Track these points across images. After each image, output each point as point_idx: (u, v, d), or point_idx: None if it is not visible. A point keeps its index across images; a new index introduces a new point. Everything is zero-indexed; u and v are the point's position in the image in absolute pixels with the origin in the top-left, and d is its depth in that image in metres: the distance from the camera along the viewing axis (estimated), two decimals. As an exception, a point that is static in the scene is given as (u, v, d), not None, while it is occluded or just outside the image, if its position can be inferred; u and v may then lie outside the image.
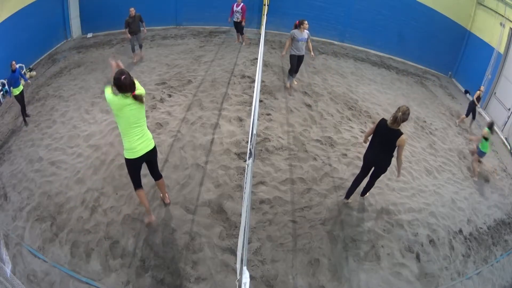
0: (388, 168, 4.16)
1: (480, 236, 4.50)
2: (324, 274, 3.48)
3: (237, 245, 2.97)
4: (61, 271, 3.30)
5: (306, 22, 6.25)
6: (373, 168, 4.10)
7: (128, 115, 3.12)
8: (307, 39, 6.39)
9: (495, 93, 8.18)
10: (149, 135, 3.39)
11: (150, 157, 3.49)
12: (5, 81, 6.91)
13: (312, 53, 6.64)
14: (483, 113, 8.34)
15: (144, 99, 3.17)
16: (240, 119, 5.75)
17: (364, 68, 9.23)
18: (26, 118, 5.82)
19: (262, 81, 7.04)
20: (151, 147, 3.40)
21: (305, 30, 6.31)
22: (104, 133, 5.32)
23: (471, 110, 7.29)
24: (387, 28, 10.23)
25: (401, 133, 3.70)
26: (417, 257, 3.86)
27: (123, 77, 2.95)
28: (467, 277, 3.83)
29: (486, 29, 8.91)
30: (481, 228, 4.64)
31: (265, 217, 4.03)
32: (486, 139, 5.86)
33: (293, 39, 6.34)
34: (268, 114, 6.01)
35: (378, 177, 4.18)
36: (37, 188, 4.33)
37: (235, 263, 3.35)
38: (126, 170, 4.53)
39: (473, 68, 9.30)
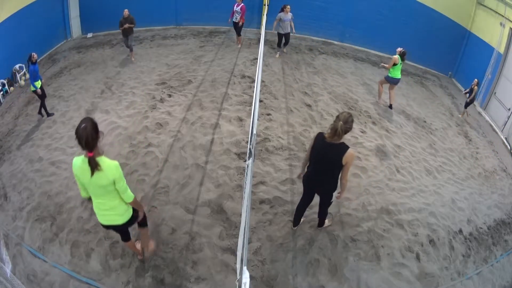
0: (388, 167, 4.13)
1: (480, 236, 4.49)
2: (324, 274, 3.48)
3: (237, 245, 2.97)
4: (61, 271, 3.30)
5: (288, 6, 8.03)
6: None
7: (84, 182, 2.46)
8: (290, 19, 8.14)
9: (495, 93, 8.17)
10: (119, 210, 2.62)
11: (120, 228, 2.82)
12: (5, 81, 6.92)
13: (293, 31, 8.42)
14: (483, 113, 8.34)
15: (108, 175, 2.39)
16: (240, 119, 5.75)
17: (364, 68, 9.23)
18: (49, 117, 5.88)
19: (262, 81, 7.04)
20: (117, 223, 2.68)
21: (289, 13, 8.06)
22: (104, 133, 5.30)
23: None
24: (387, 28, 10.22)
25: (346, 148, 2.97)
26: (417, 257, 3.86)
27: (82, 125, 2.25)
28: (467, 277, 3.82)
29: (486, 29, 8.90)
30: (481, 228, 4.64)
31: (265, 217, 4.03)
32: (395, 64, 6.63)
33: (280, 20, 8.14)
34: (268, 114, 6.01)
35: (326, 204, 3.54)
36: (37, 188, 4.33)
37: (235, 263, 3.35)
38: (126, 171, 4.58)
39: (473, 68, 9.28)
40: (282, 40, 8.59)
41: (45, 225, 3.80)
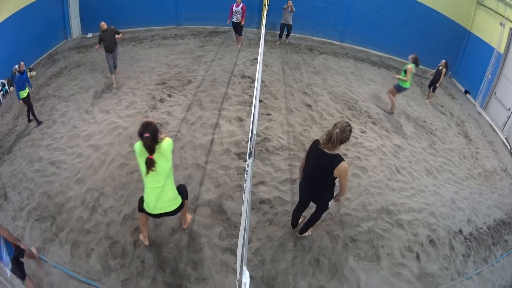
0: (388, 167, 4.10)
1: (480, 236, 4.50)
2: (324, 274, 3.48)
3: (237, 245, 2.97)
4: (61, 271, 3.30)
5: (290, 1, 9.26)
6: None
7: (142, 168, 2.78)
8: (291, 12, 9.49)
9: (495, 93, 8.18)
10: (170, 195, 2.95)
11: (168, 215, 3.11)
12: (5, 81, 6.92)
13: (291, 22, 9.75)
14: (483, 113, 8.34)
15: (166, 155, 2.75)
16: (240, 119, 5.75)
17: (364, 68, 9.23)
18: (39, 125, 5.68)
19: (262, 81, 7.04)
20: (170, 209, 3.01)
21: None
22: (104, 133, 5.32)
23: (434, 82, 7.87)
24: (387, 28, 10.22)
25: (340, 160, 2.85)
26: (417, 257, 3.86)
27: (145, 135, 2.61)
28: (467, 277, 3.83)
29: (486, 29, 8.90)
30: (481, 228, 4.64)
31: (265, 217, 4.03)
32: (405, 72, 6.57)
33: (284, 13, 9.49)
34: (268, 114, 6.01)
35: (321, 211, 3.43)
36: (37, 188, 4.33)
37: (235, 263, 3.35)
38: (126, 170, 4.58)
39: (473, 68, 9.29)
40: (284, 30, 9.73)
41: (45, 225, 3.80)
